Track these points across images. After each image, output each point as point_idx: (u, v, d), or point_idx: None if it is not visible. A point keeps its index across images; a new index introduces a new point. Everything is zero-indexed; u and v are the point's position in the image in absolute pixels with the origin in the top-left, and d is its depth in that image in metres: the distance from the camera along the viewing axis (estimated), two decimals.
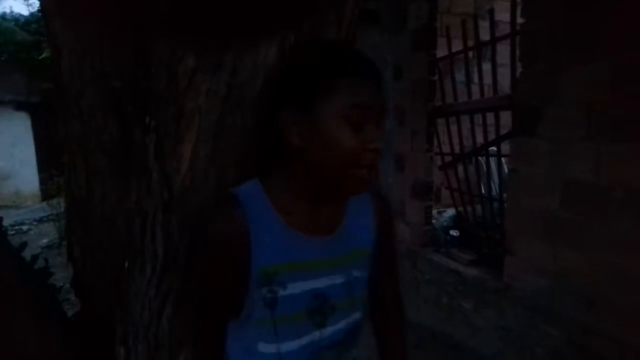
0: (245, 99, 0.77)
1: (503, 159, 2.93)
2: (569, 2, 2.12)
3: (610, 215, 1.97)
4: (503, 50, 2.81)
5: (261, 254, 0.71)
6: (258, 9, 0.75)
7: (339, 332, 0.80)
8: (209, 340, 0.79)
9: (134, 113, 0.85)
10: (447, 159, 3.41)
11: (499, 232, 2.78)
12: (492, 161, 3.18)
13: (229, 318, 0.77)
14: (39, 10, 8.87)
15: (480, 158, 3.22)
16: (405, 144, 3.50)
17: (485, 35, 2.85)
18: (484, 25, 2.86)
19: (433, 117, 3.30)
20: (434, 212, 3.61)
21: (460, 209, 3.38)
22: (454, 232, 3.46)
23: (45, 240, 5.68)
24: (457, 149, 3.25)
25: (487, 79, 2.88)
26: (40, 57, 7.86)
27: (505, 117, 2.74)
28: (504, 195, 2.75)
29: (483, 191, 3.25)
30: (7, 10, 15.09)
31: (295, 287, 0.74)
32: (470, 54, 3.06)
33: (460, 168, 3.33)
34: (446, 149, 3.40)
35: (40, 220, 6.96)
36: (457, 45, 3.07)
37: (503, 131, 2.79)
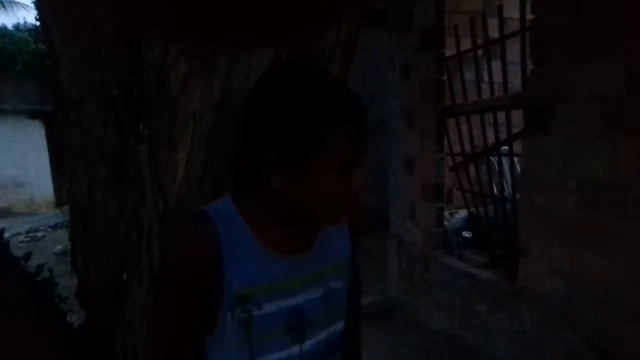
0: (241, 105, 0.74)
1: (515, 159, 2.87)
2: None
3: (628, 215, 1.90)
4: (513, 48, 2.76)
5: (234, 275, 0.69)
6: (254, 10, 0.72)
7: (319, 343, 0.78)
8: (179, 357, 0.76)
9: (127, 121, 0.83)
10: (458, 159, 3.36)
11: (513, 234, 2.72)
12: (504, 161, 3.11)
13: (199, 335, 0.74)
14: (36, 19, 8.96)
15: (492, 158, 3.16)
16: (415, 145, 3.45)
17: (494, 33, 2.80)
18: (493, 23, 2.81)
19: (442, 117, 3.25)
20: (446, 213, 3.56)
21: (473, 209, 3.32)
22: (466, 234, 3.40)
23: (59, 247, 5.74)
24: (468, 149, 3.19)
25: (497, 78, 2.83)
26: None
27: (517, 115, 2.68)
28: (517, 195, 2.69)
29: (496, 191, 3.19)
30: (21, 21, 15.41)
31: (272, 306, 0.73)
32: (480, 52, 3.01)
33: (471, 168, 3.27)
34: (457, 149, 3.35)
35: (55, 227, 7.05)
36: (465, 44, 3.02)
37: (515, 130, 2.73)
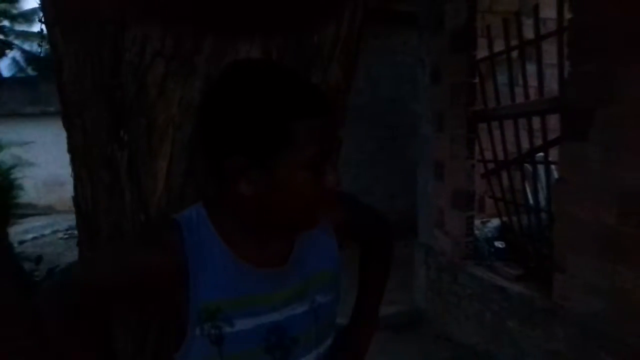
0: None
1: (552, 166, 2.71)
2: None
3: None
4: (549, 50, 2.60)
5: (202, 287, 0.64)
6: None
7: None
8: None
9: (110, 126, 0.79)
10: (490, 166, 3.21)
11: (548, 246, 2.56)
12: (540, 169, 2.95)
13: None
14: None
15: (526, 165, 3.00)
16: (444, 151, 3.33)
17: (529, 34, 2.65)
18: (529, 24, 2.67)
19: (474, 122, 3.12)
20: (477, 222, 3.42)
21: (505, 219, 3.16)
22: (499, 244, 3.25)
23: None
24: (500, 155, 3.05)
25: (532, 81, 2.68)
26: None
27: (553, 121, 2.53)
28: (553, 205, 2.54)
29: (531, 201, 3.03)
30: None
31: (245, 323, 0.66)
32: (514, 54, 2.87)
33: (504, 176, 3.12)
34: (488, 155, 3.20)
35: None
36: (499, 46, 2.89)
37: (551, 136, 2.57)
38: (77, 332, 0.68)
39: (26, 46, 12.36)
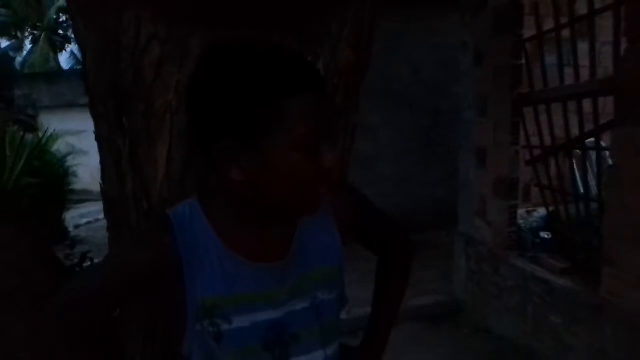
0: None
1: (604, 153, 2.52)
2: None
3: None
4: (604, 26, 2.40)
5: (197, 286, 0.63)
6: None
7: None
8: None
9: (111, 114, 0.79)
10: (537, 152, 3.04)
11: (597, 237, 2.39)
12: (590, 155, 2.76)
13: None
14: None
15: (576, 151, 2.81)
16: (487, 137, 3.18)
17: (582, 9, 2.45)
18: None
19: (519, 106, 2.95)
20: (523, 211, 3.26)
21: (552, 208, 2.99)
22: (545, 235, 3.08)
23: None
24: (547, 141, 2.87)
25: (584, 61, 2.48)
26: None
27: (606, 104, 2.34)
28: (604, 194, 2.36)
29: (581, 189, 2.84)
30: None
31: (243, 321, 0.64)
32: (564, 33, 2.66)
33: (552, 163, 2.94)
34: (535, 141, 3.03)
35: None
36: (548, 25, 2.70)
37: (603, 120, 2.39)
38: (81, 341, 0.70)
39: None
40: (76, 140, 6.09)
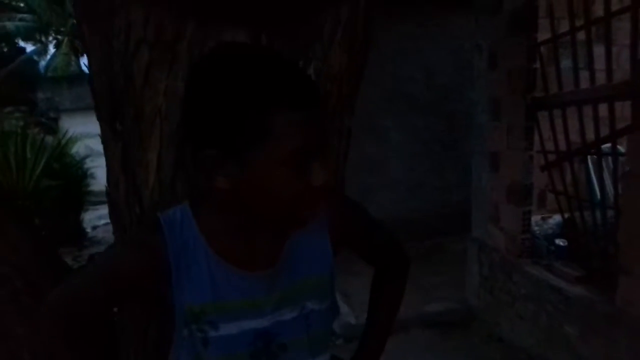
0: None
1: (620, 158, 2.45)
2: None
3: None
4: (621, 28, 2.34)
5: (185, 291, 0.62)
6: None
7: None
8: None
9: (109, 118, 0.80)
10: (552, 158, 2.97)
11: (614, 245, 2.32)
12: (606, 161, 2.69)
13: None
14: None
15: (591, 157, 2.74)
16: (501, 141, 3.13)
17: (599, 11, 2.40)
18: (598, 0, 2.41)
19: (533, 110, 2.89)
20: (538, 217, 3.18)
21: (568, 215, 2.92)
22: (560, 242, 3.01)
23: None
24: (562, 146, 2.80)
25: (600, 64, 2.42)
26: None
27: (625, 108, 2.27)
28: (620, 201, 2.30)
29: (598, 196, 2.77)
30: None
31: (230, 328, 0.64)
32: (580, 35, 2.61)
33: (567, 168, 2.87)
34: (549, 146, 2.96)
35: None
36: (563, 27, 2.64)
37: (620, 125, 2.32)
38: (76, 340, 0.70)
39: None
40: (95, 142, 6.18)
